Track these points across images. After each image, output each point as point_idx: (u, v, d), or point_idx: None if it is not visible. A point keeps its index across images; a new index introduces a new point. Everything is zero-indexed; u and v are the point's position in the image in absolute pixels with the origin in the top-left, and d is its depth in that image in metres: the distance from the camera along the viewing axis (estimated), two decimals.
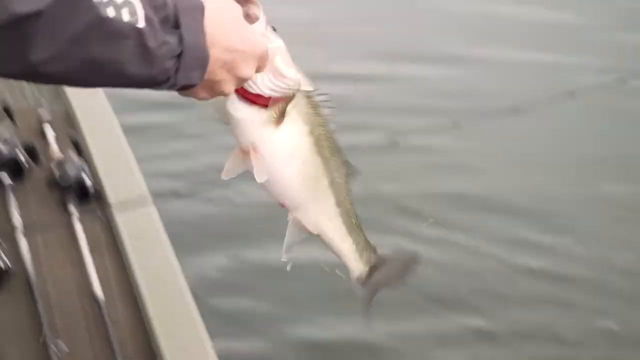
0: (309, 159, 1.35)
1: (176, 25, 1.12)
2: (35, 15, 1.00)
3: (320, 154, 1.36)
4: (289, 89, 1.29)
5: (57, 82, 1.22)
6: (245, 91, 1.28)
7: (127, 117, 5.16)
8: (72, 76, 1.09)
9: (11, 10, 0.97)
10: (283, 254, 1.46)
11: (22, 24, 1.00)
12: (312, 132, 1.34)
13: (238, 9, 1.24)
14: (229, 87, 1.23)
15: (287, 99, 1.30)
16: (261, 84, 1.27)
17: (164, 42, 1.10)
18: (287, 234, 1.43)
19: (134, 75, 1.11)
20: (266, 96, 1.28)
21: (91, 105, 4.06)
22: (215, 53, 1.17)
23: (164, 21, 1.11)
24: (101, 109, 4.10)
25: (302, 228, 1.40)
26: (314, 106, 1.35)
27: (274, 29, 1.29)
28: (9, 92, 3.93)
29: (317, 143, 1.35)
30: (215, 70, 1.19)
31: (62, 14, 1.02)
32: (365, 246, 1.46)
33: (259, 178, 1.33)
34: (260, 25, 1.25)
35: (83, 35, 1.05)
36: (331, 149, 1.38)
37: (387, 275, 1.50)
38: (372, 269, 1.47)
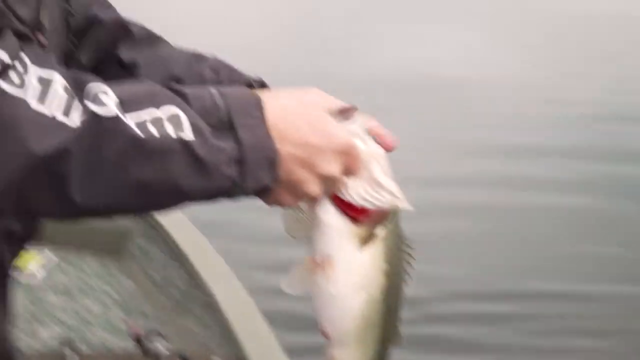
0: (376, 300, 1.22)
1: (231, 128, 1.05)
2: (61, 154, 0.97)
3: (386, 302, 1.24)
4: (384, 203, 1.15)
5: (114, 215, 1.17)
6: (337, 197, 1.15)
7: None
8: (126, 205, 1.08)
9: (31, 152, 0.96)
10: None
11: (50, 165, 0.97)
12: (390, 274, 1.23)
13: (314, 103, 1.15)
14: (313, 187, 1.10)
15: (381, 217, 1.18)
16: (353, 191, 1.14)
17: (217, 148, 1.03)
18: None
19: (193, 189, 1.05)
20: (358, 207, 1.15)
21: (264, 348, 3.69)
22: (287, 148, 1.08)
23: (216, 126, 1.04)
24: (273, 353, 3.69)
25: None
26: (402, 240, 1.24)
27: (375, 140, 1.17)
28: (178, 337, 3.75)
29: (389, 289, 1.23)
30: (291, 168, 1.08)
31: (90, 146, 0.99)
32: None
33: (325, 294, 1.21)
34: (357, 124, 1.15)
35: (120, 162, 1.00)
36: (398, 300, 1.27)
37: None
38: None
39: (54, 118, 0.97)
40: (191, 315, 3.79)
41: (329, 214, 1.16)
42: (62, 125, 0.96)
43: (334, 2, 12.98)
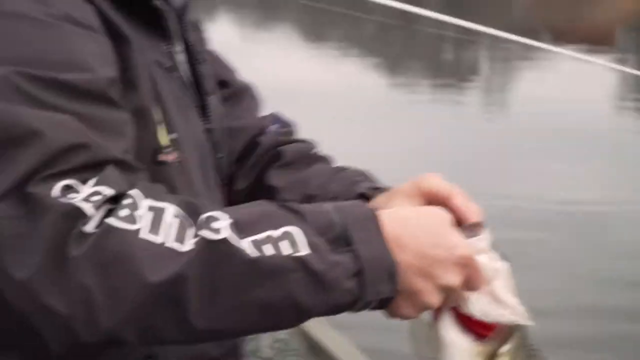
0: None
1: (348, 242, 1.10)
2: (177, 280, 1.03)
3: None
4: (504, 318, 1.19)
5: (233, 337, 1.30)
6: (459, 312, 1.19)
7: None
8: (248, 326, 1.14)
9: (144, 281, 1.02)
10: None
11: (167, 291, 1.03)
12: None
13: (437, 214, 1.22)
14: (433, 297, 1.15)
15: (503, 334, 1.21)
16: (475, 307, 1.18)
17: (335, 263, 1.08)
18: None
19: (313, 305, 1.10)
20: (479, 323, 1.19)
21: None
22: (406, 258, 1.13)
23: (333, 242, 1.10)
24: None
25: None
26: (529, 351, 1.26)
27: (504, 257, 1.21)
28: None
29: None
30: (410, 278, 1.14)
31: (205, 270, 1.05)
32: None
33: None
34: (482, 240, 1.19)
35: (237, 284, 1.07)
36: None
37: None
38: None
39: (166, 246, 1.03)
40: None
41: (451, 331, 1.19)
42: (175, 252, 1.02)
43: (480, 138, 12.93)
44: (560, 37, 21.51)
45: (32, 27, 1.15)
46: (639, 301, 7.29)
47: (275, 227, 1.07)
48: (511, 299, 1.18)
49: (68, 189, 1.03)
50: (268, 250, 1.04)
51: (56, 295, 1.00)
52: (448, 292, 1.15)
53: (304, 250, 1.05)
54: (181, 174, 1.33)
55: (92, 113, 1.13)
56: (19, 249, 1.01)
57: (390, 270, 1.10)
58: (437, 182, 1.34)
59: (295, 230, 1.07)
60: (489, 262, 1.17)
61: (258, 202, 1.20)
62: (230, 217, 1.07)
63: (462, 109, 14.99)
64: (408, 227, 1.15)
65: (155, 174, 1.26)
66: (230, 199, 1.62)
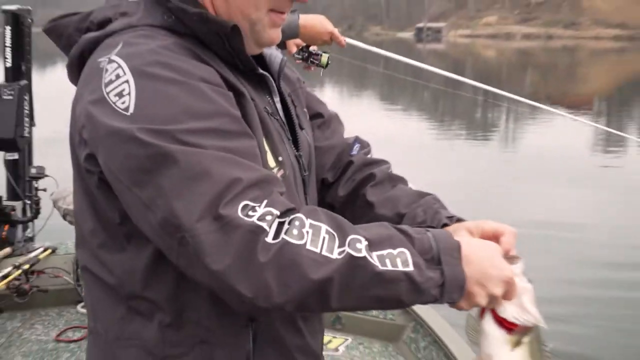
0: None
1: (438, 263, 1.31)
2: (328, 280, 1.23)
3: None
4: (528, 323, 1.43)
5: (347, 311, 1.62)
6: (497, 314, 1.43)
7: None
8: (361, 309, 1.46)
9: (310, 278, 1.23)
10: None
11: (321, 286, 1.24)
12: None
13: (494, 247, 1.43)
14: (481, 300, 1.36)
15: (526, 331, 1.44)
16: (508, 312, 1.42)
17: (429, 278, 1.30)
18: None
19: (408, 302, 1.33)
20: (509, 322, 1.43)
21: None
22: (470, 273, 1.33)
23: (429, 262, 1.31)
24: None
25: None
26: (540, 343, 1.47)
27: (530, 280, 1.45)
28: None
29: None
30: (471, 286, 1.34)
31: (347, 276, 1.25)
32: None
33: None
34: (518, 267, 1.43)
35: (365, 285, 1.27)
36: None
37: None
38: None
39: (323, 255, 1.24)
40: None
41: (490, 325, 1.45)
42: (329, 260, 1.24)
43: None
44: (556, 101, 25.99)
45: (180, 90, 1.30)
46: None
47: (394, 247, 1.29)
48: (533, 309, 1.42)
49: (246, 207, 1.24)
50: (388, 264, 1.27)
51: (245, 284, 1.22)
52: (492, 298, 1.38)
53: (410, 267, 1.28)
54: (286, 186, 1.43)
55: (237, 146, 1.32)
56: (217, 253, 1.22)
57: (461, 285, 1.32)
58: (495, 225, 1.54)
59: (407, 252, 1.29)
60: (520, 282, 1.41)
61: (383, 224, 1.38)
62: (366, 238, 1.29)
63: (485, 150, 16.67)
64: (476, 252, 1.37)
65: None
66: (326, 201, 1.85)
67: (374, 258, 1.26)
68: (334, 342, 4.40)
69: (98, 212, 1.42)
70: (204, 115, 1.29)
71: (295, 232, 1.24)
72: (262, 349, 1.47)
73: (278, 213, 1.25)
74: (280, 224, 1.24)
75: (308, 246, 1.24)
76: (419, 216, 1.68)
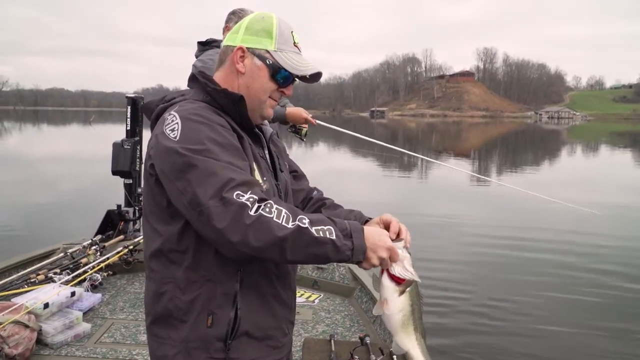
0: (407, 314, 1.40)
1: (350, 237, 1.29)
2: (285, 238, 1.22)
3: (413, 313, 1.41)
4: (409, 277, 1.37)
5: (295, 263, 1.41)
6: (389, 272, 1.37)
7: None
8: (307, 262, 1.28)
9: (276, 235, 1.22)
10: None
11: (280, 242, 1.22)
12: (412, 305, 1.40)
13: (382, 231, 1.37)
14: (375, 261, 1.32)
15: (408, 283, 1.38)
16: (396, 270, 1.36)
17: (344, 244, 1.27)
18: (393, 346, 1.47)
19: (332, 258, 1.28)
20: (397, 278, 1.37)
21: None
22: (368, 244, 1.31)
23: (345, 235, 1.28)
24: None
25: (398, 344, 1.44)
26: (417, 291, 1.41)
27: (407, 249, 1.39)
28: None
29: (413, 310, 1.40)
30: (368, 252, 1.31)
31: (296, 238, 1.23)
32: (428, 356, 1.47)
33: (386, 313, 1.40)
34: (400, 243, 1.38)
35: (308, 245, 1.24)
36: (420, 313, 1.42)
37: None
38: None
39: (282, 224, 1.23)
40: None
41: (386, 280, 1.39)
42: (286, 227, 1.23)
43: None
44: (449, 152, 26.73)
45: (205, 127, 1.32)
46: None
47: (325, 225, 1.27)
48: (411, 269, 1.37)
49: (238, 194, 1.23)
50: (321, 233, 1.25)
51: (235, 236, 1.21)
52: (382, 260, 1.33)
53: (334, 237, 1.26)
54: (266, 195, 1.33)
55: (235, 161, 1.30)
56: (220, 218, 1.22)
57: (363, 250, 1.29)
58: (389, 217, 1.47)
59: (332, 228, 1.27)
60: (401, 252, 1.36)
61: (321, 214, 1.35)
62: (309, 218, 1.26)
63: (408, 180, 15.41)
64: (372, 232, 1.33)
65: None
66: None
67: (312, 229, 1.25)
68: (312, 297, 4.28)
69: (155, 200, 1.40)
70: (217, 142, 1.31)
71: (267, 209, 1.24)
72: (245, 289, 1.40)
73: (257, 198, 1.25)
74: (259, 205, 1.24)
75: (274, 218, 1.23)
76: (351, 219, 1.60)
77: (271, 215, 1.23)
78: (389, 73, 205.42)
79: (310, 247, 1.24)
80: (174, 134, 1.31)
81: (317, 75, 1.49)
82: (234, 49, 1.45)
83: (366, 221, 1.55)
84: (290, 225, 1.23)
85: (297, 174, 1.76)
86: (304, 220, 1.25)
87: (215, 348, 1.37)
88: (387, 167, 18.89)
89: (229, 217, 1.21)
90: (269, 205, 1.25)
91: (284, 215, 1.24)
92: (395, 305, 1.39)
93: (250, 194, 1.24)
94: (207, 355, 1.37)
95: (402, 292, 1.38)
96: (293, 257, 1.25)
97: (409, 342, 1.43)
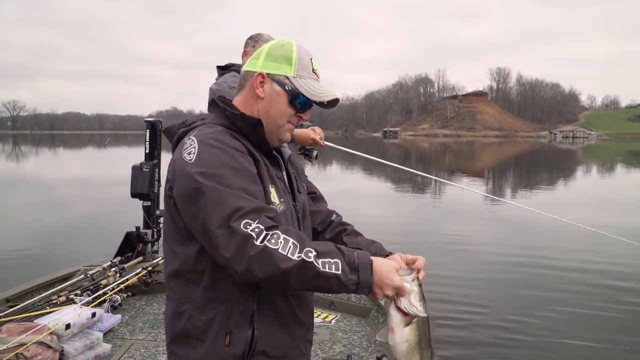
0: (412, 345, 1.38)
1: (357, 271, 1.28)
2: (289, 271, 1.23)
3: (419, 344, 1.39)
4: (415, 312, 1.37)
5: (301, 291, 1.46)
6: (397, 305, 1.37)
7: None
8: (309, 290, 1.37)
9: (281, 268, 1.22)
10: None
11: (285, 275, 1.23)
12: (419, 336, 1.39)
13: (393, 264, 1.35)
14: (381, 297, 1.33)
15: (413, 316, 1.37)
16: (402, 303, 1.36)
17: (350, 279, 1.27)
18: None
19: (336, 291, 1.29)
20: (402, 310, 1.37)
21: None
22: (376, 280, 1.31)
23: (352, 269, 1.28)
24: None
25: None
26: (425, 324, 1.39)
27: (419, 280, 1.39)
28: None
29: (419, 342, 1.39)
30: (374, 287, 1.31)
31: (300, 271, 1.24)
32: None
33: (390, 343, 1.40)
34: (410, 276, 1.37)
35: (313, 279, 1.25)
36: (427, 344, 1.41)
37: None
38: None
39: (287, 256, 1.23)
40: None
41: (393, 310, 1.39)
42: (291, 259, 1.23)
43: None
44: (463, 172, 26.65)
45: (220, 152, 1.34)
46: None
47: (332, 258, 1.26)
48: (418, 304, 1.36)
49: (246, 223, 1.24)
50: (327, 267, 1.25)
51: (241, 267, 1.23)
52: (390, 295, 1.33)
53: (339, 271, 1.26)
54: (283, 217, 1.43)
55: (247, 187, 1.31)
56: (226, 248, 1.24)
57: (369, 285, 1.30)
58: (413, 256, 1.48)
59: (339, 261, 1.27)
60: (409, 285, 1.35)
61: (329, 243, 1.33)
62: (316, 250, 1.26)
63: (422, 200, 15.36)
64: (380, 267, 1.32)
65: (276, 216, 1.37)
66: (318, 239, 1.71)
67: (318, 263, 1.25)
68: (329, 317, 4.27)
69: (173, 221, 1.41)
70: (231, 166, 1.33)
71: (273, 240, 1.24)
72: (262, 309, 1.39)
73: (264, 227, 1.25)
74: (265, 234, 1.25)
75: (279, 250, 1.23)
76: (371, 251, 1.61)
77: (277, 247, 1.23)
78: (401, 93, 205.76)
79: (314, 280, 1.25)
80: (190, 157, 1.33)
81: (334, 102, 1.51)
82: (254, 75, 1.47)
83: (386, 256, 1.54)
84: (295, 258, 1.23)
85: (315, 196, 1.76)
86: (309, 254, 1.25)
87: None
88: (400, 188, 18.93)
89: (234, 247, 1.23)
90: (275, 235, 1.25)
91: (290, 246, 1.24)
92: (400, 336, 1.38)
93: (257, 223, 1.24)
94: None
95: (407, 324, 1.38)
96: (298, 286, 1.27)
97: None
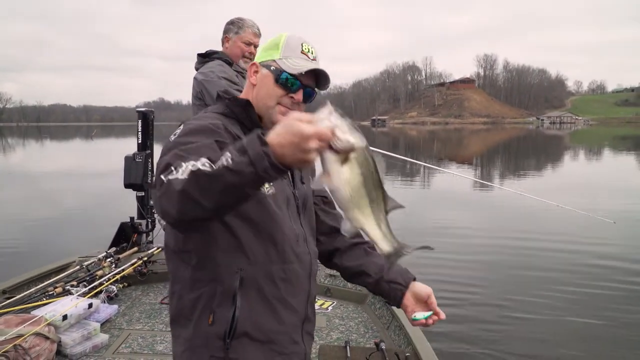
0: (356, 186, 1.15)
1: (244, 151, 1.06)
2: (183, 190, 1.08)
3: (364, 185, 1.16)
4: (347, 145, 1.10)
5: (223, 209, 1.16)
6: (330, 145, 1.10)
7: None
8: (225, 204, 1.10)
9: (177, 189, 1.09)
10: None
11: (183, 195, 1.08)
12: (362, 174, 1.15)
13: (290, 120, 1.06)
14: (303, 156, 1.05)
15: (348, 149, 1.11)
16: (335, 141, 1.09)
17: (240, 161, 1.05)
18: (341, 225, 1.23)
19: (243, 184, 1.07)
20: (334, 148, 1.10)
21: None
22: (274, 144, 1.04)
23: (240, 152, 1.06)
24: None
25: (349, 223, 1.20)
26: (366, 158, 1.15)
27: (343, 115, 1.12)
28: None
29: (364, 180, 1.15)
30: (282, 153, 1.04)
31: (193, 184, 1.08)
32: (389, 236, 1.22)
33: (328, 189, 1.19)
34: (324, 113, 1.11)
35: (208, 185, 1.07)
36: (376, 184, 1.17)
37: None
38: (396, 250, 1.23)
39: (180, 178, 1.10)
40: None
41: (327, 153, 1.10)
42: (183, 179, 1.09)
43: None
44: (451, 159, 26.38)
45: (193, 125, 1.36)
46: None
47: (223, 155, 1.09)
48: (345, 136, 1.10)
49: (169, 173, 1.13)
50: (216, 165, 1.08)
51: (160, 214, 1.16)
52: (312, 151, 1.04)
53: (226, 161, 1.07)
54: (274, 201, 1.41)
55: (193, 139, 1.28)
56: (157, 189, 1.16)
57: (264, 155, 1.04)
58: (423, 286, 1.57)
59: (227, 152, 1.08)
60: (333, 121, 1.09)
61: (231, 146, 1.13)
62: (209, 158, 1.12)
63: (411, 189, 14.88)
64: (276, 130, 1.07)
65: (262, 198, 1.37)
66: (329, 249, 1.69)
67: (207, 166, 1.10)
68: (326, 304, 4.30)
69: None
70: (189, 131, 1.34)
71: (173, 171, 1.14)
72: (246, 290, 1.37)
73: (172, 165, 1.19)
74: (169, 171, 1.16)
75: (178, 176, 1.11)
76: (389, 276, 1.63)
77: (175, 176, 1.11)
78: (389, 82, 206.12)
79: (213, 185, 1.07)
80: (174, 134, 1.36)
81: (324, 79, 1.50)
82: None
83: (413, 279, 1.59)
84: (186, 176, 1.09)
85: (327, 200, 1.74)
86: (199, 164, 1.10)
87: (216, 347, 1.37)
88: (390, 174, 18.76)
89: (154, 201, 1.20)
90: (176, 164, 1.15)
91: (186, 167, 1.11)
92: (338, 177, 1.15)
93: (170, 167, 1.16)
94: (208, 353, 1.37)
95: (344, 160, 1.14)
96: (209, 203, 1.09)
97: (361, 217, 1.20)
